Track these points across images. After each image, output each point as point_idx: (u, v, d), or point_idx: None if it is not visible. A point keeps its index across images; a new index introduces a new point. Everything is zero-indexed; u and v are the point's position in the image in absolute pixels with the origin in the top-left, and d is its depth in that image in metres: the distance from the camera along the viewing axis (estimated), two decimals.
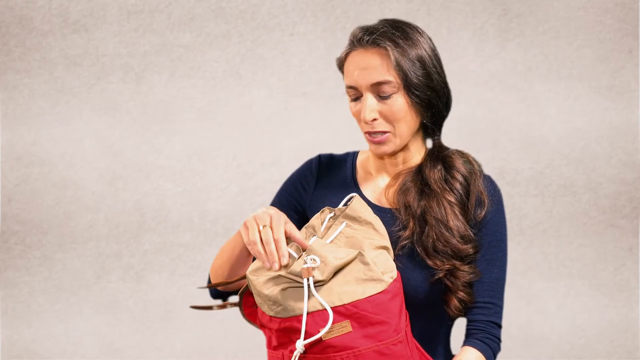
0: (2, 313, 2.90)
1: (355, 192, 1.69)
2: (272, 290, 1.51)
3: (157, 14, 2.89)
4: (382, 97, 1.61)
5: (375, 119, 1.62)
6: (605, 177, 2.89)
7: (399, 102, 1.62)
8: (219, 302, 2.28)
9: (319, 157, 1.78)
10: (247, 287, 1.60)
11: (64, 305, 2.91)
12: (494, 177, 2.85)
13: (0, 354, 2.89)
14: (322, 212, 1.61)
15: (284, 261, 1.45)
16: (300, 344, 1.48)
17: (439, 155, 1.70)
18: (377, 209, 1.66)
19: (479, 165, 1.71)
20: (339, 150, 1.89)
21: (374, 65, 1.61)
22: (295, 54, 2.91)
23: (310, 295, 1.47)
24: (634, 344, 2.92)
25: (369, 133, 1.64)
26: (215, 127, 2.91)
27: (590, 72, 2.89)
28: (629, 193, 2.89)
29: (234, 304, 1.67)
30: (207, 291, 1.85)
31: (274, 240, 1.46)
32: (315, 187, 1.75)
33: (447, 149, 1.71)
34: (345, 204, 1.62)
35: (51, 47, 2.88)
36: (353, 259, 1.50)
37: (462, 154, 1.71)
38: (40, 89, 2.88)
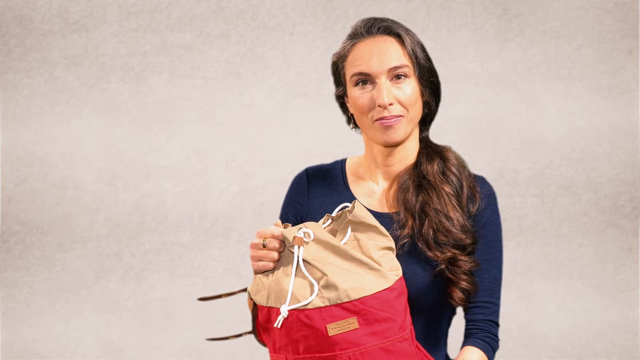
0: (2, 313, 2.90)
1: (349, 198, 1.71)
2: (268, 278, 1.56)
3: (157, 14, 2.89)
4: (397, 80, 1.65)
5: (391, 104, 1.65)
6: (605, 177, 2.89)
7: (412, 87, 1.66)
8: (235, 332, 2.35)
9: (306, 170, 1.81)
10: (256, 310, 1.62)
11: (64, 305, 2.91)
12: (494, 177, 2.87)
13: (0, 354, 2.89)
14: (323, 221, 1.64)
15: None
16: (284, 309, 1.50)
17: (436, 150, 1.73)
18: (374, 215, 1.67)
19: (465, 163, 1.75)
20: (338, 149, 1.90)
21: (391, 51, 1.66)
22: (295, 54, 2.91)
23: (298, 268, 1.52)
24: (634, 344, 2.91)
25: (383, 118, 1.65)
26: (215, 127, 2.91)
27: (590, 72, 2.89)
28: (629, 193, 2.89)
29: (249, 332, 1.69)
30: (208, 293, 1.85)
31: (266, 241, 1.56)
32: (308, 200, 1.77)
33: (438, 145, 1.75)
34: (341, 209, 1.63)
35: (51, 47, 2.88)
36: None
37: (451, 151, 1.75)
38: (40, 89, 2.88)
